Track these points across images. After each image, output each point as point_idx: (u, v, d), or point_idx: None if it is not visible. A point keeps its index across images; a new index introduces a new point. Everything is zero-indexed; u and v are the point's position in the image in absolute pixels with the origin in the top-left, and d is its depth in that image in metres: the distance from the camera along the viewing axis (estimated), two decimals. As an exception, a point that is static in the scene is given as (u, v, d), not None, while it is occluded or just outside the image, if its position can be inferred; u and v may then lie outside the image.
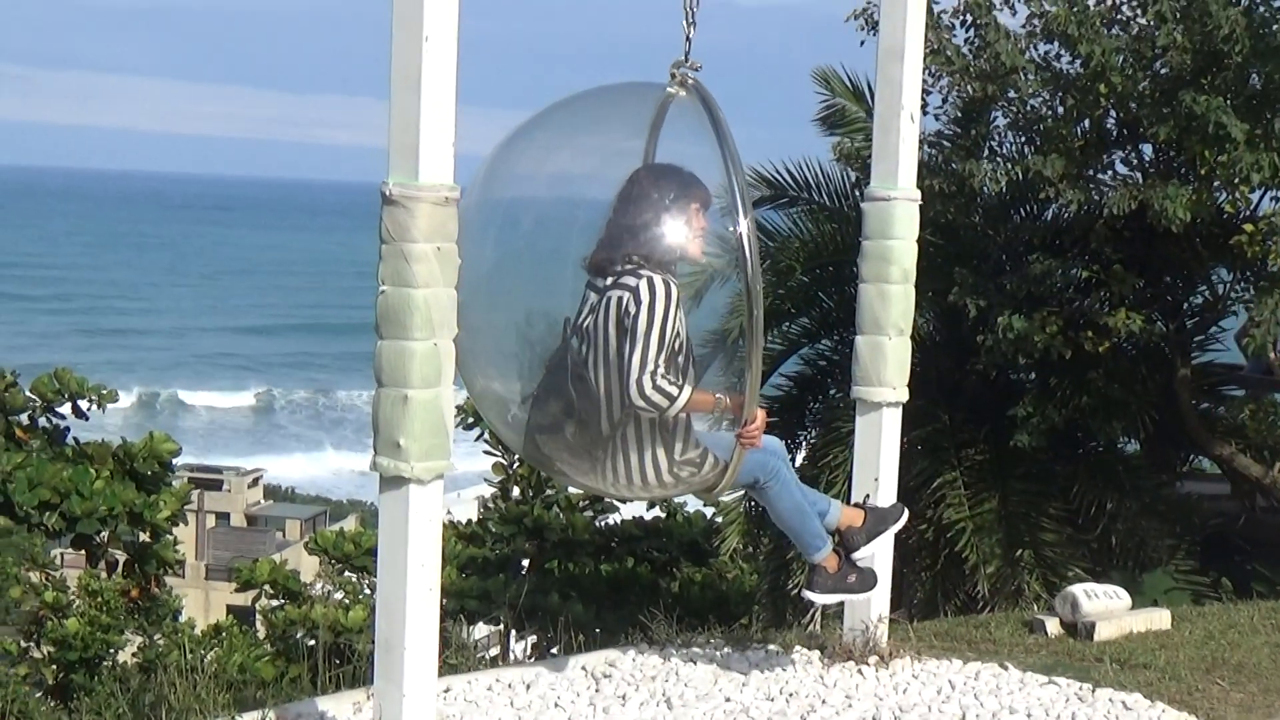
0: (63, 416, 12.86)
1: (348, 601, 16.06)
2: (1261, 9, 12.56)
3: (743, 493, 12.90)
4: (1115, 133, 14.06)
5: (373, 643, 5.66)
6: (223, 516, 58.69)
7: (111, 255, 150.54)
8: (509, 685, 6.77)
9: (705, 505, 18.86)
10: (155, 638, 15.81)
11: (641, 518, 19.47)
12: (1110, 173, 14.01)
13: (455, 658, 8.37)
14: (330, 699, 6.49)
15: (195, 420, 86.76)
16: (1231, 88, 12.61)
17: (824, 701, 6.69)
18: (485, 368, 6.37)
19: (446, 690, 6.59)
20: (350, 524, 35.16)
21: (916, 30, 7.21)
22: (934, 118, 14.52)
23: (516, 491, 19.09)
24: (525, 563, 19.18)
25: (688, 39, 6.21)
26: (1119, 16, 13.49)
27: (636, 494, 6.30)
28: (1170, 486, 15.52)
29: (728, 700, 6.63)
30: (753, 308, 5.82)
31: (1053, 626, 8.36)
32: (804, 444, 15.81)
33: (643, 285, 5.78)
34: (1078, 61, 13.19)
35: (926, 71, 13.22)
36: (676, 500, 19.02)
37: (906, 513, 6.95)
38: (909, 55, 7.16)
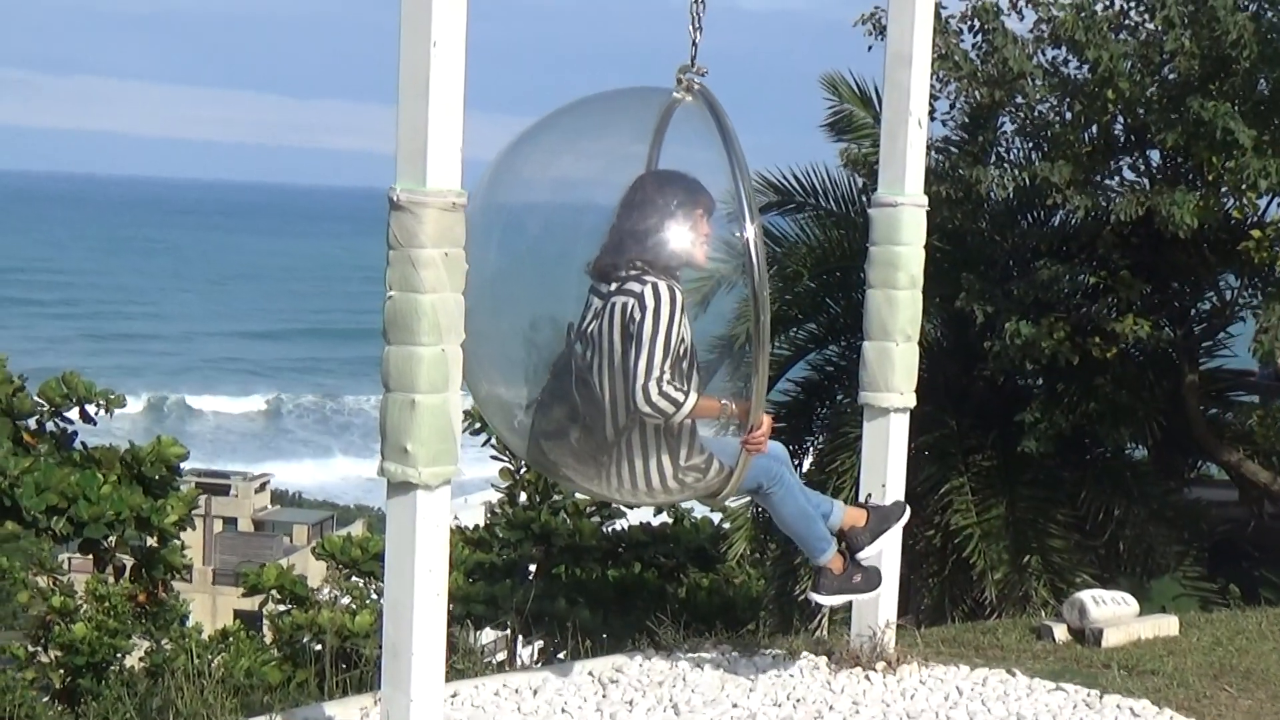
0: (70, 421, 12.88)
1: (354, 606, 16.06)
2: (1270, 15, 12.56)
3: (749, 498, 12.89)
4: (1123, 138, 14.06)
5: (380, 648, 5.66)
6: (230, 521, 58.74)
7: (118, 260, 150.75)
8: (516, 690, 6.77)
9: (712, 511, 18.84)
10: (162, 642, 15.82)
11: (649, 523, 19.45)
12: (1118, 178, 14.02)
13: (462, 663, 8.36)
14: (337, 704, 6.50)
15: (203, 425, 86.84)
16: (1239, 93, 12.60)
17: (831, 708, 6.68)
18: (490, 373, 6.36)
19: (453, 695, 6.59)
20: (357, 529, 35.17)
21: (924, 35, 7.21)
22: (941, 123, 14.55)
23: (524, 497, 19.09)
24: (532, 568, 19.17)
25: (694, 44, 6.21)
26: (1127, 22, 13.50)
27: (641, 500, 6.30)
28: (1178, 492, 15.51)
29: (735, 706, 6.63)
30: (759, 313, 5.82)
31: (1060, 633, 8.35)
32: (811, 450, 15.81)
33: (647, 291, 5.78)
34: (1085, 67, 13.20)
35: (934, 77, 13.22)
36: (683, 506, 19.00)
37: (909, 510, 6.95)
38: (917, 61, 7.16)
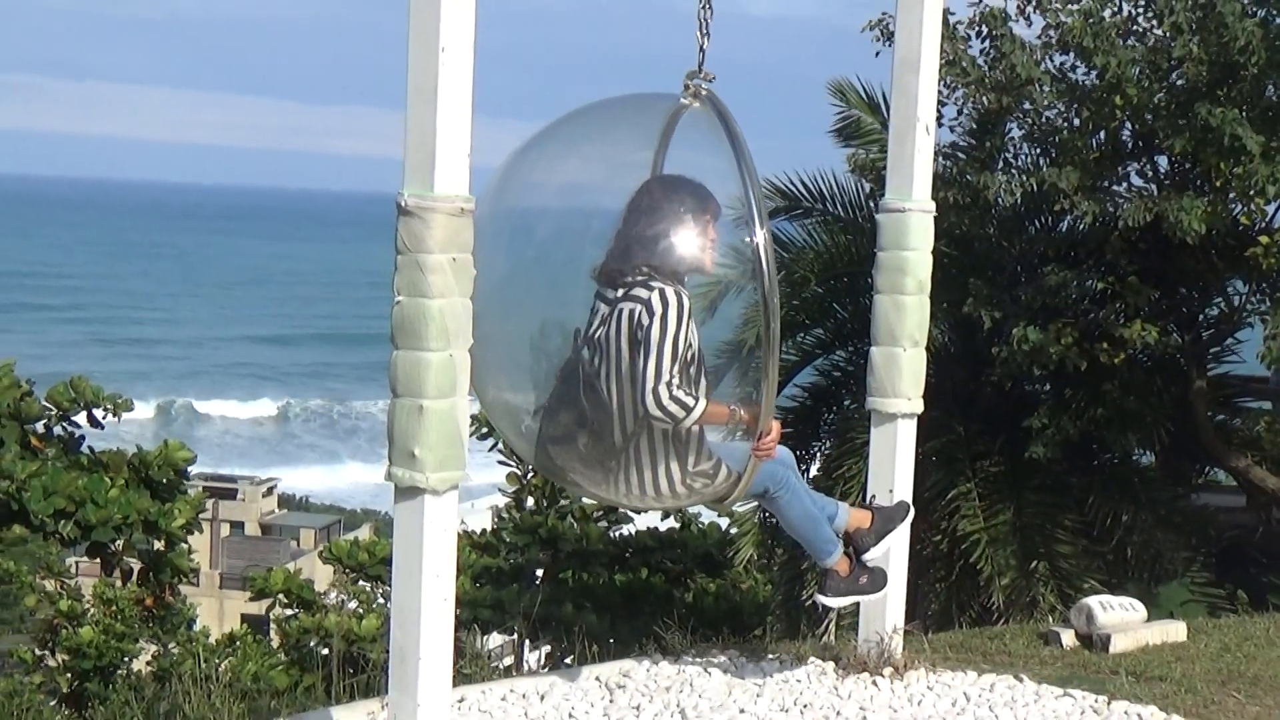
0: (78, 425, 12.88)
1: (361, 610, 16.08)
2: (1278, 21, 12.55)
3: (756, 503, 12.90)
4: (1131, 144, 14.05)
5: (387, 652, 5.66)
6: (237, 525, 58.79)
7: (125, 265, 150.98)
8: (523, 695, 6.77)
9: (720, 516, 18.84)
10: (170, 646, 15.84)
11: (656, 528, 19.45)
12: (1125, 184, 14.01)
13: (469, 668, 8.37)
14: (344, 709, 6.50)
15: (210, 430, 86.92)
16: (1247, 100, 12.60)
17: (838, 713, 6.68)
18: (497, 378, 6.37)
19: (461, 700, 6.59)
20: (364, 533, 35.18)
21: (932, 41, 7.21)
22: (949, 129, 14.55)
23: (531, 501, 19.09)
24: (539, 573, 19.16)
25: (701, 49, 6.21)
26: (1135, 28, 13.50)
27: (649, 504, 6.31)
28: (1186, 498, 15.50)
29: (742, 711, 6.62)
30: (770, 319, 5.82)
31: (1068, 638, 8.34)
32: (818, 455, 15.81)
33: (654, 297, 5.78)
34: (1093, 73, 13.19)
35: (942, 83, 13.22)
36: (691, 511, 19.00)
37: (912, 510, 6.97)
38: (924, 66, 7.16)
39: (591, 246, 6.10)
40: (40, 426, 12.64)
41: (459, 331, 5.32)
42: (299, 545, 57.36)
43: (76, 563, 28.33)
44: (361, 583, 17.62)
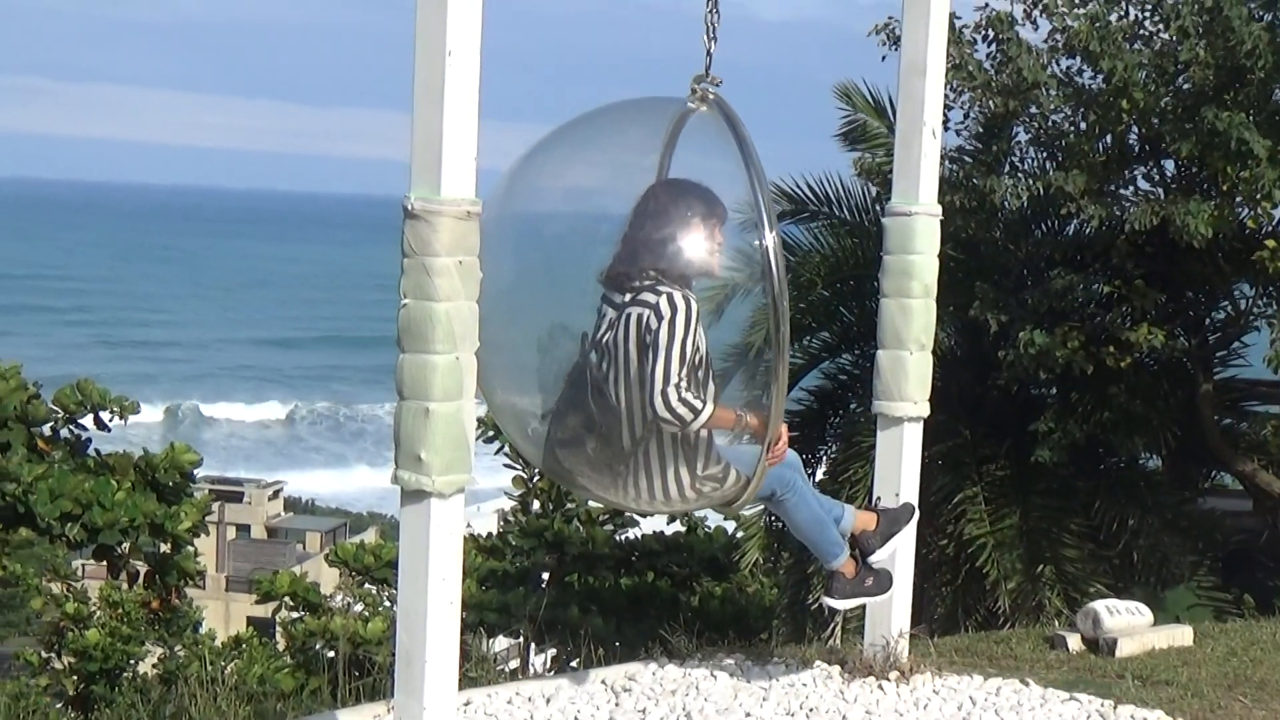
0: (85, 428, 12.89)
1: (367, 613, 16.10)
2: (1285, 25, 12.54)
3: (762, 507, 12.91)
4: (1137, 148, 14.05)
5: (392, 655, 5.67)
6: (243, 528, 58.84)
7: (132, 268, 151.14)
8: (529, 699, 6.77)
9: (726, 520, 18.84)
10: (176, 649, 15.87)
11: (662, 532, 19.46)
12: (1132, 188, 14.01)
13: (475, 671, 8.38)
14: (350, 711, 6.50)
15: (217, 432, 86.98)
16: (1254, 104, 12.59)
17: (844, 717, 6.68)
18: (505, 382, 6.37)
19: (466, 703, 6.60)
20: (370, 537, 35.21)
21: (938, 45, 7.21)
22: (955, 133, 14.54)
23: (536, 505, 19.10)
24: (545, 576, 19.17)
25: (708, 53, 6.21)
26: (1141, 32, 13.48)
27: (658, 509, 6.31)
28: (1192, 502, 15.47)
29: (748, 715, 6.62)
30: (779, 323, 5.82)
31: (1074, 643, 8.34)
32: (824, 458, 15.81)
33: (663, 302, 5.78)
34: (1100, 77, 13.18)
35: (948, 87, 13.23)
36: (697, 515, 19.00)
37: (917, 512, 6.98)
38: (931, 70, 7.17)
39: (598, 250, 6.10)
40: (47, 429, 12.66)
41: (465, 335, 5.32)
42: (305, 548, 57.39)
43: (83, 565, 28.36)
44: (367, 586, 17.64)
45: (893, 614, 7.24)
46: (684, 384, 5.70)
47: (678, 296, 5.78)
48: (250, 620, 32.06)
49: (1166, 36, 13.13)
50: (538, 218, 6.45)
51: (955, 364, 15.02)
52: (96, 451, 12.78)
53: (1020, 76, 13.26)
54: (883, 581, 6.77)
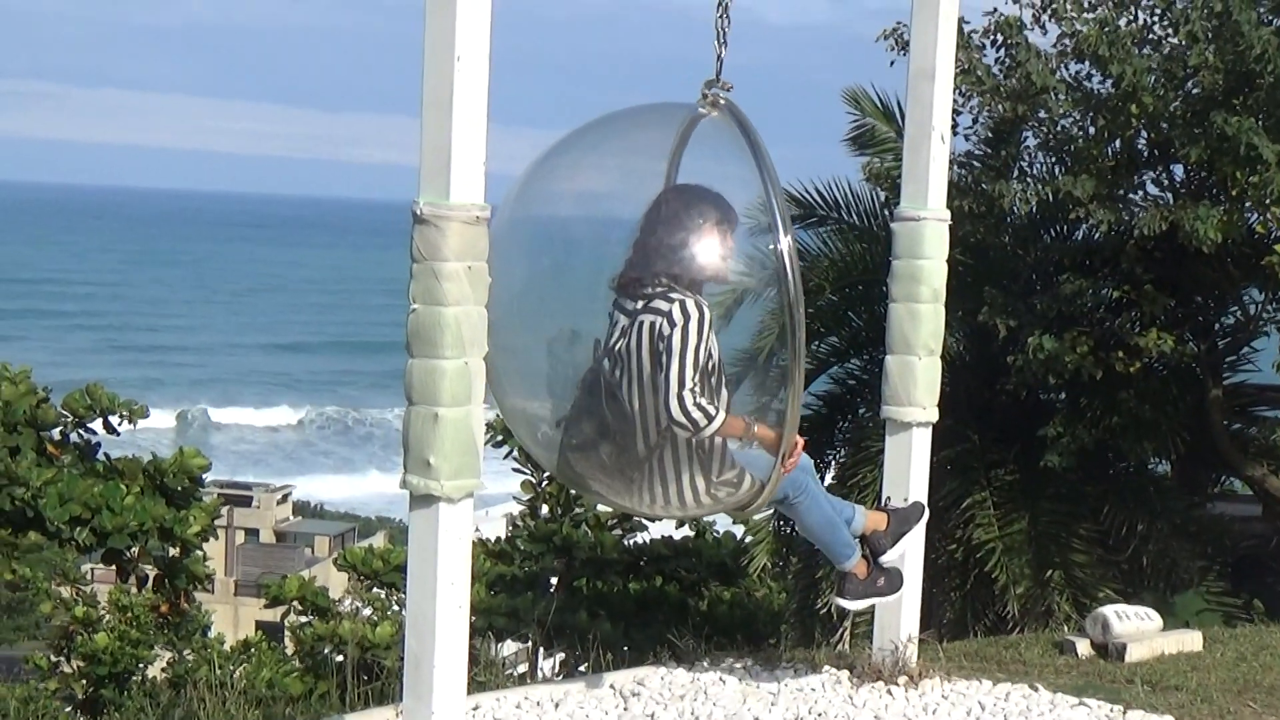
0: (94, 432, 12.90)
1: (376, 618, 16.09)
2: (1294, 29, 12.52)
3: (771, 511, 12.91)
4: (1146, 153, 14.03)
5: (401, 659, 5.67)
6: (252, 532, 58.83)
7: (143, 272, 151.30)
8: (537, 703, 6.78)
9: (735, 524, 18.84)
10: (184, 653, 15.88)
11: (670, 537, 19.44)
12: (1141, 193, 13.98)
13: (484, 675, 8.38)
14: (358, 715, 6.51)
15: (226, 437, 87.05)
16: (1264, 108, 12.57)
17: (852, 722, 6.68)
18: (517, 386, 6.38)
19: (475, 708, 6.60)
20: (379, 541, 35.25)
21: (947, 50, 7.21)
22: (964, 138, 14.53)
23: (545, 509, 19.09)
24: (554, 580, 19.16)
25: (719, 58, 6.22)
26: (1150, 36, 13.47)
27: (673, 514, 6.33)
28: (1201, 508, 15.46)
29: (756, 720, 6.63)
30: (795, 329, 5.83)
31: (1083, 648, 8.33)
32: (833, 463, 15.80)
33: (675, 309, 5.79)
34: (1109, 81, 13.18)
35: (957, 91, 13.22)
36: (706, 520, 18.99)
37: (927, 511, 6.99)
38: (939, 75, 7.17)
39: (610, 256, 6.10)
40: (56, 433, 12.67)
41: (474, 339, 5.33)
42: (313, 552, 57.39)
43: (92, 569, 28.44)
44: (376, 590, 17.63)
45: (901, 619, 7.24)
46: (698, 389, 5.71)
47: (690, 304, 5.79)
48: (259, 624, 32.14)
49: (1176, 41, 13.12)
50: (549, 222, 6.46)
51: (964, 369, 15.00)
52: (106, 456, 12.80)
53: (1029, 81, 13.25)
54: (894, 581, 6.79)
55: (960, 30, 12.77)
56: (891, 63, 13.95)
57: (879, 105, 15.77)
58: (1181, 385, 14.48)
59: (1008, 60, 13.68)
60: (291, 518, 62.26)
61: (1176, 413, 14.21)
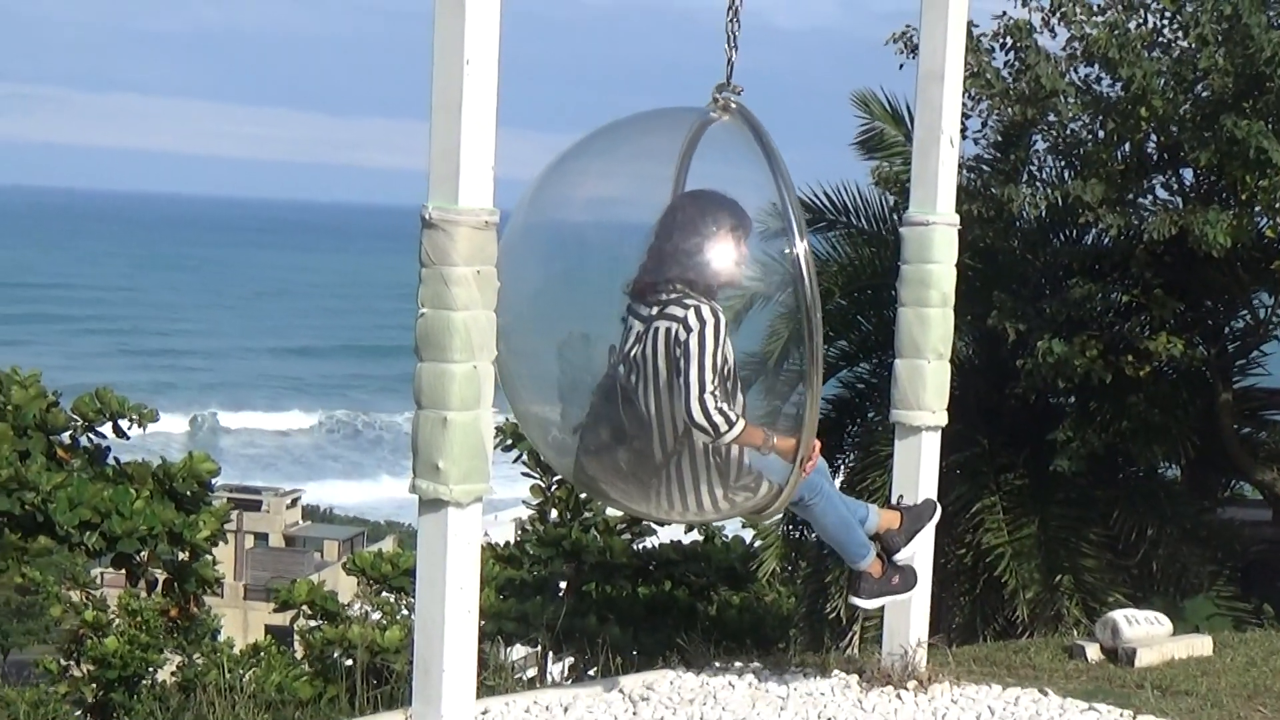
0: (104, 436, 12.93)
1: (385, 622, 16.08)
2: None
3: (780, 515, 12.90)
4: (1156, 157, 14.01)
5: (410, 663, 5.68)
6: (261, 537, 58.89)
7: (152, 277, 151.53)
8: (546, 707, 6.77)
9: (744, 529, 18.83)
10: (194, 657, 15.87)
11: (679, 541, 19.43)
12: (1151, 197, 13.97)
13: (493, 679, 8.37)
14: (368, 720, 6.51)
15: (236, 441, 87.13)
16: (1273, 112, 12.55)
17: (862, 726, 6.67)
18: (531, 391, 6.41)
19: (484, 712, 6.60)
20: (388, 545, 35.26)
21: (956, 53, 7.21)
22: (973, 142, 14.52)
23: (554, 514, 19.08)
24: (563, 585, 19.16)
25: (729, 62, 6.22)
26: (1160, 39, 13.45)
27: (689, 519, 6.37)
28: (1211, 512, 15.43)
29: (765, 724, 6.62)
30: (812, 333, 5.83)
31: (1093, 652, 8.32)
32: (842, 467, 15.78)
33: (691, 315, 5.80)
34: (1118, 85, 13.16)
35: (966, 95, 13.19)
36: (715, 524, 18.99)
37: (939, 508, 6.99)
38: (948, 79, 7.16)
39: (624, 261, 6.12)
40: (66, 437, 12.70)
41: (483, 344, 5.33)
42: (323, 557, 57.43)
43: (102, 573, 28.41)
44: (385, 594, 17.62)
45: (911, 623, 7.24)
46: (717, 394, 5.72)
47: (705, 309, 5.81)
48: (268, 628, 32.12)
49: (1185, 44, 13.10)
50: (561, 227, 6.48)
51: (973, 373, 14.99)
52: (116, 460, 12.82)
53: (1038, 84, 13.23)
54: (908, 579, 6.81)
55: (969, 33, 12.76)
56: (900, 66, 13.97)
57: (888, 109, 15.76)
58: (1191, 389, 14.46)
59: (1017, 63, 13.67)
60: (301, 522, 62.30)
61: (1186, 417, 14.18)
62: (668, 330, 5.83)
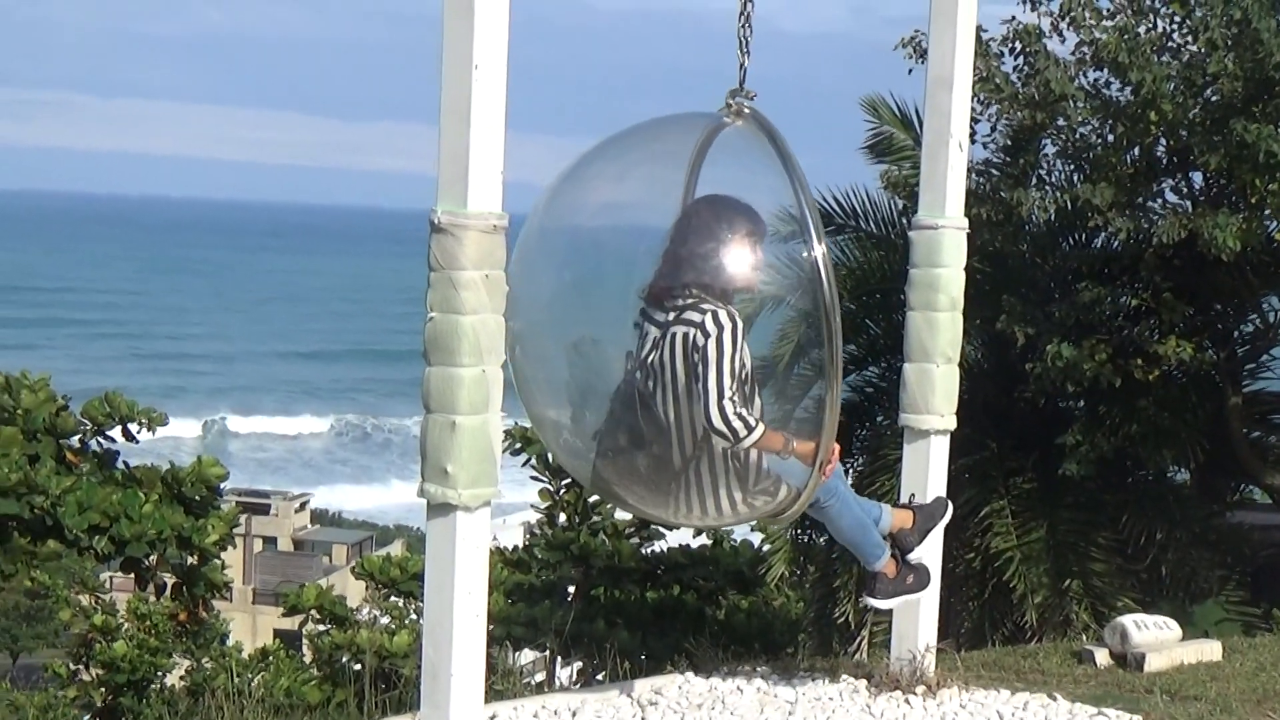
0: (113, 440, 12.94)
1: (393, 626, 16.09)
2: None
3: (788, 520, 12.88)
4: (1165, 161, 13.99)
5: (419, 668, 5.68)
6: (270, 541, 58.94)
7: (162, 281, 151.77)
8: (555, 712, 6.77)
9: (753, 532, 18.83)
10: (203, 661, 15.90)
11: (688, 546, 19.43)
12: (1160, 201, 13.95)
13: (501, 684, 8.38)
14: (376, 724, 6.51)
15: (245, 445, 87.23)
16: (1283, 116, 12.53)
17: (870, 731, 6.66)
18: (547, 395, 6.41)
19: (492, 717, 6.59)
20: (397, 549, 35.27)
21: (965, 58, 7.21)
22: (982, 146, 14.50)
23: (563, 518, 19.09)
24: (571, 589, 19.16)
25: (742, 66, 6.23)
26: (1169, 44, 13.43)
27: (709, 524, 6.38)
28: (1221, 516, 15.41)
29: (774, 729, 6.61)
30: (832, 336, 5.84)
31: (1102, 657, 8.31)
32: (850, 472, 15.77)
33: (708, 320, 5.81)
34: (1128, 89, 13.14)
35: (975, 99, 13.19)
36: (724, 529, 18.98)
37: (951, 506, 6.99)
38: (957, 83, 7.16)
39: (637, 265, 6.13)
40: (75, 441, 12.71)
41: (491, 348, 5.34)
42: (331, 561, 57.49)
43: (111, 578, 28.47)
44: (394, 599, 17.63)
45: (919, 628, 7.23)
46: (736, 399, 5.72)
47: (722, 314, 5.81)
48: (277, 633, 32.12)
49: (1195, 48, 13.08)
50: (574, 231, 6.49)
51: (982, 377, 14.98)
52: (125, 464, 12.83)
53: (1048, 89, 13.22)
54: (922, 577, 6.82)
55: (978, 38, 12.73)
56: (910, 70, 13.94)
57: (897, 113, 15.76)
58: (1200, 393, 14.44)
59: (1026, 68, 13.66)
60: (309, 526, 62.36)
61: (1195, 421, 14.17)
62: (685, 335, 5.84)
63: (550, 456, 17.37)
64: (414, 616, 16.55)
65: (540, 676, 16.64)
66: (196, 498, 12.69)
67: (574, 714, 6.75)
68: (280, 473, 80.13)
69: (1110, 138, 13.65)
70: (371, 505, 74.48)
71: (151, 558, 12.45)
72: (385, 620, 16.95)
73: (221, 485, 13.14)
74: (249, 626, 46.68)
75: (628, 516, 17.82)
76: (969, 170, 10.82)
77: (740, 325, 5.83)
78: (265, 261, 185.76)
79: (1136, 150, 13.74)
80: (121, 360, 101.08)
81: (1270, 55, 12.05)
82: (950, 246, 7.16)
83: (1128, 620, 8.46)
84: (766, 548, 17.61)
